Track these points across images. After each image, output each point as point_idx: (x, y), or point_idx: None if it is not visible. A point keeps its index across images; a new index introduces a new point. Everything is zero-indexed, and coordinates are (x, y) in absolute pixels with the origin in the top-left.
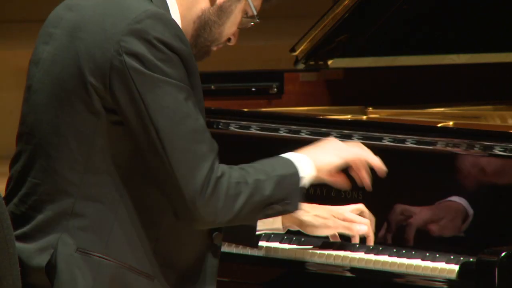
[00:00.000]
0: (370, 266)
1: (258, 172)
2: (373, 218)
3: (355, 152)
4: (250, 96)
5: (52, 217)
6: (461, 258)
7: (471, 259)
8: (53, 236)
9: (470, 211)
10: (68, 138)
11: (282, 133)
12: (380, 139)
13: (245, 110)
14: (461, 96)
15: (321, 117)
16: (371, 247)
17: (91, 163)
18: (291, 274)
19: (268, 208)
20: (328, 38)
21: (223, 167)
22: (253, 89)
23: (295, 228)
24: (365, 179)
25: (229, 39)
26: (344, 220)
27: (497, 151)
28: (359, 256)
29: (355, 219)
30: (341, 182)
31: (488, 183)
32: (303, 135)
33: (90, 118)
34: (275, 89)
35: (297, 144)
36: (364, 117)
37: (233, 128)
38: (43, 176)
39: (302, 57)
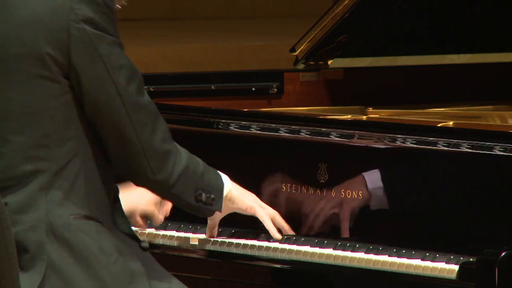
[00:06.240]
0: (370, 266)
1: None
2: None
3: (260, 212)
4: (250, 96)
5: (30, 196)
6: (461, 258)
7: (471, 259)
8: (37, 213)
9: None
10: (28, 117)
11: (282, 133)
12: (380, 139)
13: (245, 110)
14: (461, 96)
15: (321, 117)
16: (371, 247)
17: (57, 135)
18: (291, 274)
19: (197, 194)
20: (328, 38)
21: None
22: (253, 89)
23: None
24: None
25: None
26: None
27: (497, 151)
28: (359, 256)
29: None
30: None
31: (488, 183)
32: (303, 135)
33: (51, 89)
34: (275, 89)
35: (297, 144)
36: (364, 117)
37: (233, 128)
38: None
39: (302, 57)
